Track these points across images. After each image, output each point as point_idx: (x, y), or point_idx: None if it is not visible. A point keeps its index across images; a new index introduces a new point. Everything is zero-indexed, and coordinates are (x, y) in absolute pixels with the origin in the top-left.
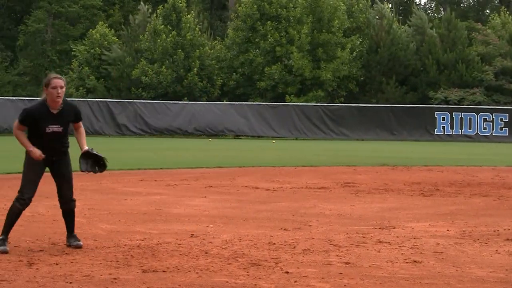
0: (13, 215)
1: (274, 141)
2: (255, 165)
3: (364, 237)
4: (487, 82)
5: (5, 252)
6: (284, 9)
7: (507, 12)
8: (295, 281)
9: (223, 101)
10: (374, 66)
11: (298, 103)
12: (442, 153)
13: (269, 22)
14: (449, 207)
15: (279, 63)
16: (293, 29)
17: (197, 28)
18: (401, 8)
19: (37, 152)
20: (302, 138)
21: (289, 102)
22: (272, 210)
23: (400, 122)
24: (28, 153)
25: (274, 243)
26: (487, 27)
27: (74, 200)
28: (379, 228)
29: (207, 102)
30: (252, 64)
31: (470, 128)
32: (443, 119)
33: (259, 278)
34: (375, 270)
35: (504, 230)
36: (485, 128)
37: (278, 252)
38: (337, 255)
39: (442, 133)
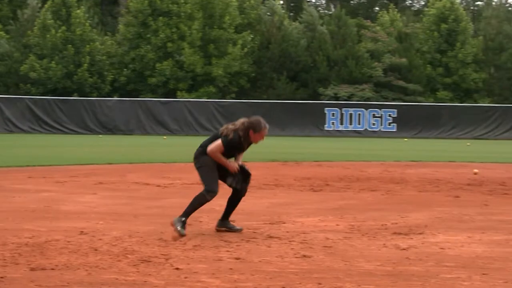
0: (199, 204)
1: (165, 137)
2: (145, 162)
3: (254, 232)
4: (376, 78)
5: (183, 235)
6: (176, 5)
7: (396, 9)
8: (185, 277)
9: (113, 97)
10: (265, 62)
11: (190, 99)
12: (332, 149)
13: (160, 17)
14: (338, 202)
15: (170, 59)
16: (185, 25)
17: (87, 23)
18: (292, 4)
19: (235, 165)
20: (193, 134)
21: (180, 98)
22: (163, 207)
23: (290, 118)
24: (206, 159)
25: (165, 239)
26: (376, 24)
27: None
28: (269, 224)
29: (98, 98)
30: (143, 60)
31: (359, 124)
32: (333, 115)
33: (149, 274)
34: (265, 265)
35: (392, 224)
36: (374, 124)
37: (168, 249)
38: (227, 251)
39: (332, 129)
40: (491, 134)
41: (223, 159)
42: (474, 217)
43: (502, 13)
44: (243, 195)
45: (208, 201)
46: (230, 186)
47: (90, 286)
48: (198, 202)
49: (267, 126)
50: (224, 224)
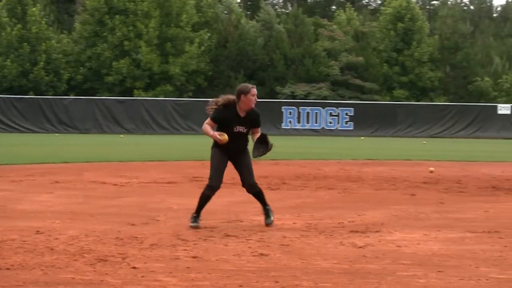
0: (204, 200)
1: (121, 136)
2: (102, 160)
3: (211, 231)
4: (333, 77)
5: (198, 227)
6: (132, 3)
7: (352, 8)
8: (142, 276)
9: (70, 96)
10: (222, 60)
11: (147, 98)
12: (289, 147)
13: (117, 16)
14: (295, 200)
15: (127, 57)
16: (141, 23)
17: (43, 21)
18: (249, 3)
19: (217, 135)
20: (150, 133)
21: (137, 96)
22: (120, 206)
23: None
24: (213, 148)
25: (122, 238)
26: (333, 23)
27: (256, 183)
28: (227, 222)
29: (54, 97)
30: (100, 58)
31: (316, 122)
32: (290, 113)
33: (106, 274)
34: (222, 264)
35: (349, 222)
36: (330, 122)
37: (125, 248)
38: (184, 250)
39: (289, 127)
40: (447, 133)
41: (209, 131)
42: (430, 215)
43: (458, 13)
44: (254, 191)
45: (209, 196)
46: (255, 157)
47: (46, 286)
48: (201, 199)
49: (253, 87)
50: (265, 209)
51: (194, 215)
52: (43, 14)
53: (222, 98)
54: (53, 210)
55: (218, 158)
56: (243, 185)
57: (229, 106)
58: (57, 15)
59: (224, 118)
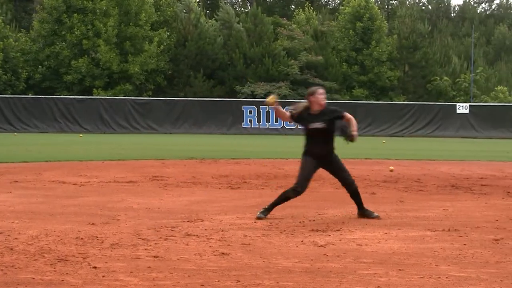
0: (283, 199)
1: (81, 135)
2: (61, 160)
3: (172, 230)
4: (292, 76)
5: (261, 218)
6: (90, 2)
7: (311, 8)
8: (103, 276)
9: (28, 95)
10: (182, 59)
11: (106, 97)
12: (249, 146)
13: (75, 14)
14: (256, 199)
15: (86, 56)
16: (100, 22)
17: (0, 20)
18: (208, 2)
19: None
20: (110, 132)
21: (96, 95)
22: (80, 205)
23: (208, 116)
24: (303, 155)
25: (82, 238)
26: (292, 22)
27: (354, 181)
28: (188, 221)
29: (13, 96)
30: (59, 57)
31: (276, 122)
32: (250, 112)
33: (67, 273)
34: (183, 263)
35: (310, 221)
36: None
37: (85, 247)
38: (145, 249)
39: (249, 126)
40: (406, 132)
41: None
42: (390, 214)
43: (416, 12)
44: (354, 187)
45: (290, 197)
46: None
47: (5, 286)
48: (283, 197)
49: (319, 88)
50: (362, 212)
51: (266, 207)
52: (0, 12)
53: (299, 107)
54: (12, 209)
55: (307, 165)
56: (344, 185)
57: (305, 108)
58: (14, 13)
59: (299, 118)
